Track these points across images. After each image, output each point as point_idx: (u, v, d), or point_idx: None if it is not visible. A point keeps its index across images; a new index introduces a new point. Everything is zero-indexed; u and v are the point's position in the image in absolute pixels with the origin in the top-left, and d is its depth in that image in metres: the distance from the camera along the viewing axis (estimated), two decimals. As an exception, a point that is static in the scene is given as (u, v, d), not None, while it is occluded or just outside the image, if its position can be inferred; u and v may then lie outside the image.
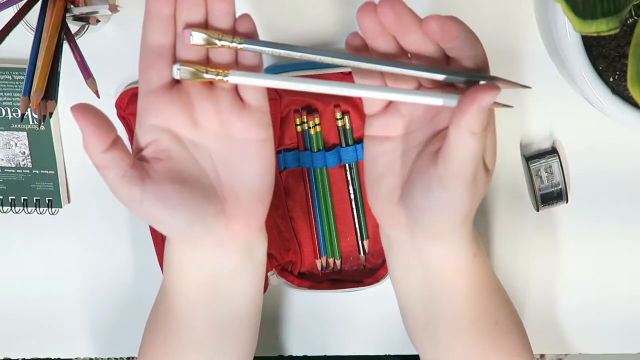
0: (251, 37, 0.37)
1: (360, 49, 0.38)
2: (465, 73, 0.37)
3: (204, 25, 0.37)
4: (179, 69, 0.37)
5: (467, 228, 0.41)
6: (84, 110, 0.35)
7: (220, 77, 0.37)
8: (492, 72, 0.54)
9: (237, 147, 0.39)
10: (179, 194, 0.37)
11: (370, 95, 0.38)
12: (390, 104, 0.40)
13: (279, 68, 0.52)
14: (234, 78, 0.37)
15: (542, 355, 1.24)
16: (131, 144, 0.54)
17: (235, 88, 0.39)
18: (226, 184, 0.39)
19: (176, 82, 0.38)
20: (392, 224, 0.42)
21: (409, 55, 0.38)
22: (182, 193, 0.38)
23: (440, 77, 0.37)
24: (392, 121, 0.39)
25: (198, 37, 0.36)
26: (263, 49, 0.37)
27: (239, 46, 0.36)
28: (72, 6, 0.46)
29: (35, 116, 0.55)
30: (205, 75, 0.37)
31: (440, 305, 0.42)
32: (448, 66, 0.38)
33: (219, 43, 0.36)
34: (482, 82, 0.37)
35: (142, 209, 0.37)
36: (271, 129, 0.40)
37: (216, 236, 0.40)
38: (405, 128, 0.39)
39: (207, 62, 0.38)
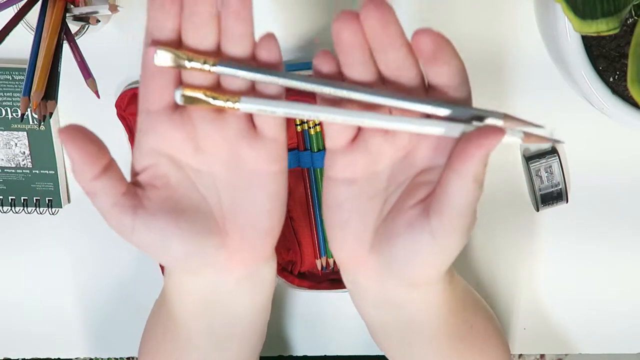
0: (274, 67, 0.32)
1: (329, 75, 0.33)
2: (471, 108, 0.32)
3: (216, 49, 0.32)
4: (182, 95, 0.33)
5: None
6: (73, 133, 0.32)
7: (230, 105, 0.33)
8: (487, 73, 0.55)
9: (245, 178, 0.35)
10: (174, 226, 0.34)
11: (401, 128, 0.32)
12: (357, 136, 0.34)
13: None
14: (247, 106, 0.32)
15: (542, 355, 1.24)
16: (131, 144, 0.54)
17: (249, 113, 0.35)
18: (230, 216, 0.35)
19: None
20: (361, 272, 0.37)
21: (383, 81, 0.33)
22: (179, 224, 0.34)
23: (445, 112, 0.32)
24: (358, 158, 0.34)
25: (164, 57, 0.32)
26: (239, 72, 0.32)
27: (212, 69, 0.32)
28: (72, 6, 0.46)
29: (35, 116, 0.55)
30: (212, 102, 0.33)
31: (416, 326, 0.39)
32: (426, 97, 0.33)
33: (188, 65, 0.32)
34: (487, 121, 0.33)
35: (133, 238, 0.34)
36: (285, 161, 0.35)
37: (217, 267, 0.37)
38: (373, 167, 0.35)
39: (217, 86, 0.33)
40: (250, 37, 0.32)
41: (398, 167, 0.35)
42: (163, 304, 0.44)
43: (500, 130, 0.30)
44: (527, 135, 0.33)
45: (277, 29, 0.53)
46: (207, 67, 0.32)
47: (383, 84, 0.33)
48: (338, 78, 0.33)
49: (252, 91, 0.33)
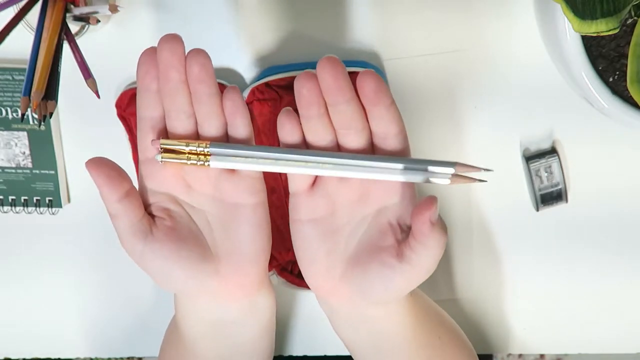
0: (241, 116, 0.38)
1: (295, 144, 0.38)
2: (424, 160, 0.38)
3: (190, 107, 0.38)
4: (162, 160, 0.39)
5: None
6: (97, 163, 0.38)
7: (201, 163, 0.38)
8: (488, 73, 0.55)
9: (230, 211, 0.40)
10: (176, 254, 0.39)
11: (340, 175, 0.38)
12: (316, 180, 0.40)
13: (278, 68, 0.53)
14: (215, 164, 0.38)
15: (542, 356, 1.24)
16: (131, 143, 0.54)
17: None
18: (221, 245, 0.41)
19: None
20: (333, 297, 0.42)
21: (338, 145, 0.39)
22: (180, 252, 0.39)
23: (399, 166, 0.38)
24: (318, 201, 0.39)
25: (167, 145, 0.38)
26: (229, 151, 0.38)
27: (206, 150, 0.38)
28: (72, 6, 0.46)
29: (36, 116, 0.55)
30: (189, 163, 0.39)
31: (388, 337, 0.44)
32: (372, 153, 0.38)
33: (187, 149, 0.38)
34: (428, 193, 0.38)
35: (141, 261, 0.40)
36: (264, 193, 0.41)
37: (212, 293, 0.42)
38: (332, 207, 0.40)
39: (196, 133, 0.39)
40: (216, 96, 0.37)
41: (355, 205, 0.40)
42: (175, 329, 0.47)
43: (432, 199, 0.36)
44: (455, 176, 0.38)
45: (279, 31, 0.53)
46: (201, 149, 0.38)
47: (337, 145, 0.38)
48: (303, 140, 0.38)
49: (227, 136, 0.39)
